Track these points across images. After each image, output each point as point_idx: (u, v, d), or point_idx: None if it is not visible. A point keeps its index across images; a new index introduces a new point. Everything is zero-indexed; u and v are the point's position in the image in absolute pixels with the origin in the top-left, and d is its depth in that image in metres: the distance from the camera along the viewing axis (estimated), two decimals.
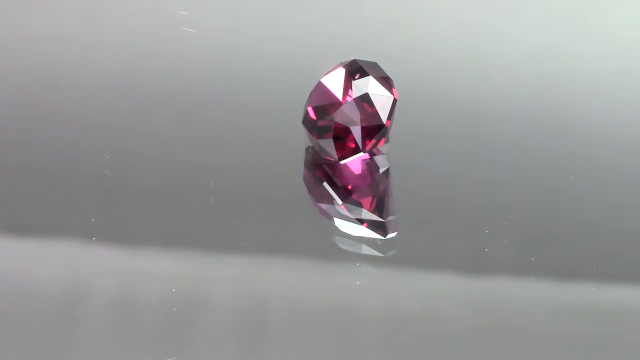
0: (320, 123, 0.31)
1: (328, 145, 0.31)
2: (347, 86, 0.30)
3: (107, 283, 0.29)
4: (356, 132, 0.30)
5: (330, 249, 0.30)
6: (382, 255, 0.30)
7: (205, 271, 0.30)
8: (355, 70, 0.31)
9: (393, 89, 0.30)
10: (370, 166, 0.32)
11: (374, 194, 0.31)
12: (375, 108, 0.30)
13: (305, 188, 0.32)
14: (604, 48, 0.40)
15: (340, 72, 0.31)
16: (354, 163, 0.32)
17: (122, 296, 0.29)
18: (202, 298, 0.29)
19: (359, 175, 0.32)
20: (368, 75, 0.30)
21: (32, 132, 0.34)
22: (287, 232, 0.31)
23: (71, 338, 0.27)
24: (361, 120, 0.30)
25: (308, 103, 0.31)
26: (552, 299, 0.30)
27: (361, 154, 0.31)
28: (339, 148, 0.31)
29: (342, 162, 0.31)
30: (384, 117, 0.30)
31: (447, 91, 0.37)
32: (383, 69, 0.31)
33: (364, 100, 0.30)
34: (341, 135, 0.30)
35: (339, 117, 0.30)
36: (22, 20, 0.39)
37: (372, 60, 0.31)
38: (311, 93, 0.31)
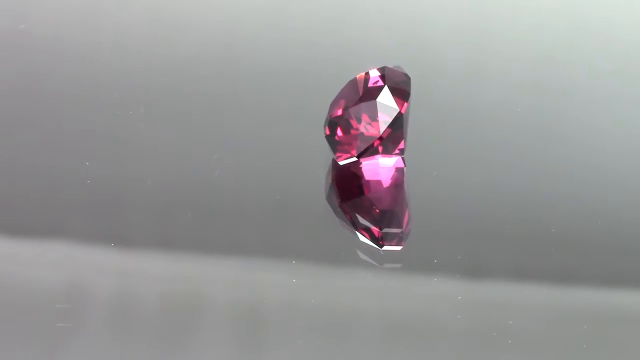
0: (330, 119, 0.31)
1: (330, 143, 0.31)
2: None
3: (105, 285, 0.29)
4: (354, 136, 0.30)
5: (332, 251, 0.30)
6: (377, 265, 0.30)
7: (204, 273, 0.30)
8: (376, 76, 0.31)
9: (405, 103, 0.30)
10: (394, 175, 0.32)
11: (384, 203, 0.31)
12: (377, 117, 0.30)
13: (325, 186, 0.32)
14: (604, 51, 0.40)
15: (370, 75, 0.31)
16: (383, 169, 0.32)
17: (121, 298, 0.29)
18: (200, 300, 0.29)
19: (376, 181, 0.32)
20: (385, 83, 0.30)
21: (33, 132, 0.34)
22: (289, 233, 0.31)
23: (70, 339, 0.28)
24: (361, 126, 0.30)
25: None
26: (551, 304, 0.30)
27: (394, 160, 0.31)
28: (337, 148, 0.31)
29: (340, 163, 0.31)
30: (382, 127, 0.30)
31: (454, 97, 0.37)
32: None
33: (370, 107, 0.30)
34: (342, 137, 0.30)
35: (348, 116, 0.30)
36: (22, 19, 0.39)
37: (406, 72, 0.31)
38: (343, 87, 0.31)
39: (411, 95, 0.31)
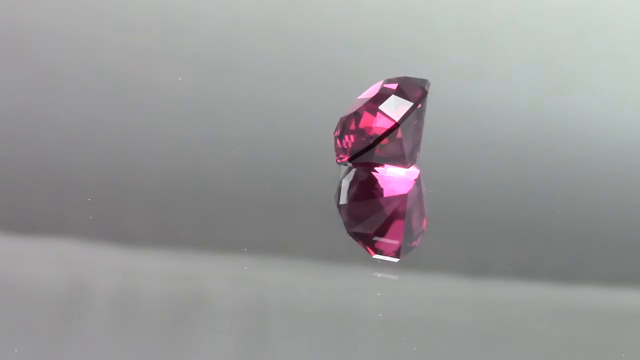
0: (340, 120, 0.31)
1: (335, 143, 0.31)
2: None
3: (107, 282, 0.29)
4: (352, 139, 0.30)
5: (334, 250, 0.30)
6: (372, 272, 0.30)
7: (206, 271, 0.30)
8: (392, 84, 0.31)
9: (405, 114, 0.30)
10: (411, 188, 0.32)
11: (385, 212, 0.31)
12: (373, 124, 0.30)
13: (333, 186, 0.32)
14: (604, 53, 0.40)
15: (386, 82, 0.31)
16: (396, 179, 0.32)
17: (123, 295, 0.29)
18: (202, 298, 0.29)
19: (384, 189, 0.32)
20: (393, 93, 0.30)
21: (34, 129, 0.34)
22: (292, 231, 0.31)
23: (72, 337, 0.28)
24: (359, 131, 0.30)
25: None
26: (554, 302, 0.29)
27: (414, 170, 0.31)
28: (337, 148, 0.31)
29: (338, 163, 0.31)
30: (375, 134, 0.30)
31: (449, 97, 0.37)
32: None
33: (371, 113, 0.30)
34: (344, 138, 0.31)
35: (351, 119, 0.30)
36: (23, 18, 0.39)
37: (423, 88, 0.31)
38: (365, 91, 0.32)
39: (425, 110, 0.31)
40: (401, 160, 0.31)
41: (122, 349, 0.28)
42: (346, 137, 0.31)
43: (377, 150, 0.30)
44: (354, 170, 0.32)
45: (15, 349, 0.27)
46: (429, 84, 0.31)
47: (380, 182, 0.32)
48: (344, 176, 0.32)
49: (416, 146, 0.31)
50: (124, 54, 0.38)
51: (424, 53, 0.39)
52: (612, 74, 0.39)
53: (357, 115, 0.30)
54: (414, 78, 0.31)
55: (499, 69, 0.39)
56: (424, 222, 0.31)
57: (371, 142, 0.30)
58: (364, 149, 0.30)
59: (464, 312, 0.29)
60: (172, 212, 0.31)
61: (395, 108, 0.30)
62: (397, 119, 0.30)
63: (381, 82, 0.31)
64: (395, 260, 0.30)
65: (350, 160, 0.31)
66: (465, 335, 0.28)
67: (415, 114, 0.30)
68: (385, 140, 0.30)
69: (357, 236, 0.30)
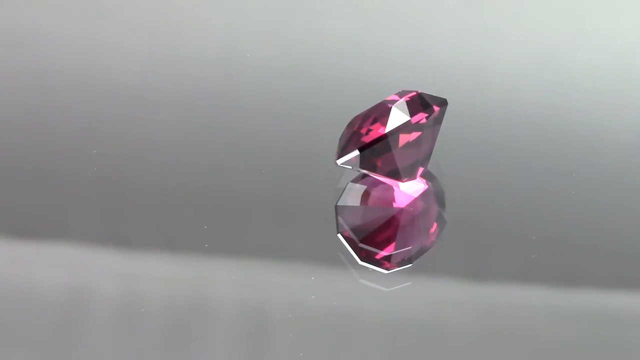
0: (350, 120, 0.31)
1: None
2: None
3: (109, 287, 0.29)
4: (344, 141, 0.30)
5: (334, 254, 0.31)
6: (359, 279, 0.30)
7: (208, 275, 0.30)
8: (401, 96, 0.31)
9: (395, 128, 0.30)
10: (410, 202, 0.32)
11: (379, 220, 0.31)
12: (366, 132, 0.30)
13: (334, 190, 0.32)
14: (605, 53, 0.39)
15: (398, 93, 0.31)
16: (397, 191, 0.32)
17: (125, 300, 0.29)
18: (204, 302, 0.29)
19: (384, 198, 0.32)
20: (394, 106, 0.30)
21: (34, 134, 0.35)
22: (293, 235, 0.31)
23: (73, 342, 0.28)
24: (355, 135, 0.30)
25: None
26: (556, 306, 0.29)
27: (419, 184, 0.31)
28: (339, 146, 0.31)
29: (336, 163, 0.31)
30: (365, 141, 0.30)
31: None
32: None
33: (370, 119, 0.30)
34: (341, 140, 0.30)
35: (353, 122, 0.31)
36: (25, 20, 0.40)
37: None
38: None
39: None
40: (395, 173, 0.31)
41: (124, 353, 0.28)
42: (344, 138, 0.31)
43: (364, 158, 0.30)
44: (358, 174, 0.32)
45: (17, 354, 0.28)
46: (444, 103, 0.31)
47: (380, 191, 0.32)
48: (350, 180, 0.32)
49: (418, 162, 0.31)
50: (127, 59, 0.38)
51: (424, 53, 0.39)
52: (616, 75, 0.38)
53: (357, 119, 0.30)
54: (428, 95, 0.31)
55: (498, 71, 0.38)
56: (429, 240, 0.31)
57: (357, 147, 0.30)
58: (351, 153, 0.30)
59: (466, 316, 0.29)
60: (173, 216, 0.32)
61: (389, 120, 0.30)
62: (385, 130, 0.30)
63: (397, 92, 0.31)
64: (385, 272, 0.30)
65: (339, 160, 0.30)
66: (466, 338, 0.28)
67: (414, 128, 0.30)
68: (372, 148, 0.30)
69: (345, 239, 0.30)
